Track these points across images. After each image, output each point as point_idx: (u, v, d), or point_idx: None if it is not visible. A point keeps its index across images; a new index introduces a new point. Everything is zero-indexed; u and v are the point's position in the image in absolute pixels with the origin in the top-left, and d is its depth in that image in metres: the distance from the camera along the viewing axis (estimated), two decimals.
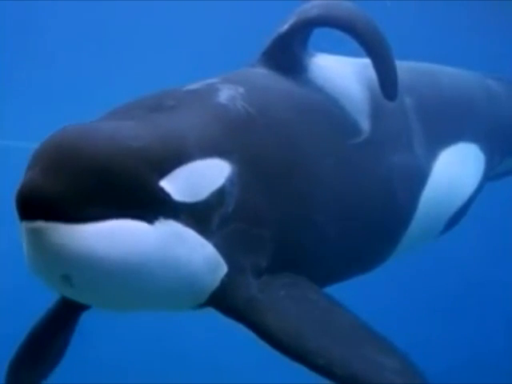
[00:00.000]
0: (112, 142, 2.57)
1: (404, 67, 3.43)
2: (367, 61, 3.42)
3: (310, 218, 3.11)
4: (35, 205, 2.44)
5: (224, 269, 2.76)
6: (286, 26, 3.31)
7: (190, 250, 2.67)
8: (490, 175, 4.32)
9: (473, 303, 8.46)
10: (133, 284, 2.61)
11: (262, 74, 3.31)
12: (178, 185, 2.63)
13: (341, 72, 3.53)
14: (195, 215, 2.67)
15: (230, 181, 2.79)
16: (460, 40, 8.62)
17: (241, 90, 3.05)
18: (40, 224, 2.45)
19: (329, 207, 3.20)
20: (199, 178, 2.71)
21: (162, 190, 2.59)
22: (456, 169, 3.93)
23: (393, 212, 3.59)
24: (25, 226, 2.48)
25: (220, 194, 2.75)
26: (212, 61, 3.30)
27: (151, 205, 2.57)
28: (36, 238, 2.48)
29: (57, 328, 3.47)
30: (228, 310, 2.80)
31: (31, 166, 2.52)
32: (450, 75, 4.18)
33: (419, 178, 3.71)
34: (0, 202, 3.45)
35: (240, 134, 2.93)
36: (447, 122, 3.90)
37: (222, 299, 2.78)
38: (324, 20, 3.30)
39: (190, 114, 2.87)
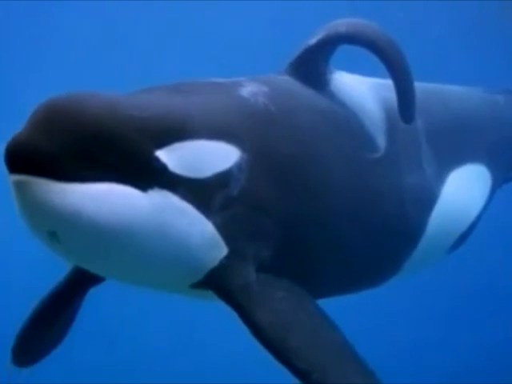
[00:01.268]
0: (109, 107, 2.60)
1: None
2: (383, 81, 3.55)
3: (318, 220, 3.15)
4: (21, 158, 2.45)
5: (224, 250, 2.80)
6: (314, 40, 3.39)
7: (186, 224, 2.70)
8: (497, 188, 4.36)
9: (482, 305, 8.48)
10: (119, 248, 2.64)
11: (287, 81, 3.39)
12: (177, 158, 2.66)
13: (359, 90, 3.61)
14: (195, 191, 2.70)
15: (238, 166, 2.83)
16: (470, 50, 8.61)
17: (264, 89, 3.13)
18: (25, 178, 2.46)
19: (338, 214, 3.24)
20: (202, 156, 2.74)
21: (157, 159, 2.62)
22: (463, 190, 3.98)
23: (402, 229, 3.62)
24: (11, 178, 2.50)
25: (225, 177, 2.79)
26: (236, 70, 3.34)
27: (144, 172, 2.60)
28: (20, 191, 2.50)
29: (64, 302, 3.52)
30: (222, 291, 2.84)
31: (26, 122, 2.53)
32: (458, 96, 4.24)
33: (429, 197, 3.76)
34: None
35: (256, 126, 2.98)
36: (455, 143, 3.96)
37: (219, 280, 2.82)
38: (352, 37, 3.37)
39: (206, 99, 2.94)
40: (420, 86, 3.52)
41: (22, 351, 3.66)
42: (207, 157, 2.76)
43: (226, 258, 2.81)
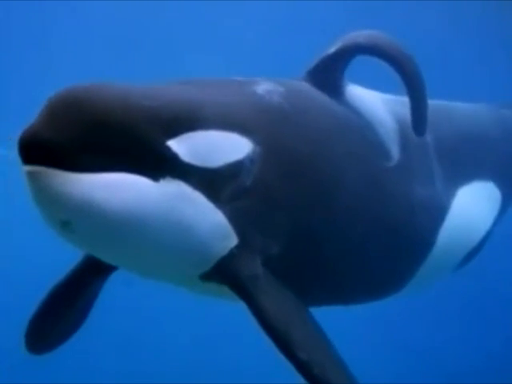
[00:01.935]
0: (120, 97, 2.65)
1: None
2: (394, 97, 3.67)
3: (327, 220, 3.20)
4: (34, 149, 2.51)
5: (234, 240, 2.87)
6: (332, 49, 3.48)
7: (198, 213, 2.75)
8: (508, 206, 4.42)
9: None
10: (131, 236, 2.69)
11: (304, 85, 3.47)
12: (188, 148, 2.71)
13: (373, 101, 3.70)
14: (206, 181, 2.75)
15: (250, 158, 2.88)
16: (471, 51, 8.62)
17: (280, 88, 3.19)
18: (38, 169, 2.52)
19: (347, 216, 3.28)
20: (214, 146, 2.79)
21: (168, 149, 2.67)
22: (472, 205, 4.05)
23: (412, 238, 3.66)
24: (25, 169, 2.55)
25: (236, 168, 2.84)
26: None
27: (156, 162, 2.64)
28: (34, 182, 2.55)
29: (76, 289, 3.54)
30: (231, 279, 2.91)
31: (39, 113, 2.58)
32: (466, 113, 4.32)
33: (438, 209, 3.82)
34: None
35: (270, 121, 3.03)
36: (464, 160, 4.03)
37: (228, 268, 2.88)
38: (369, 48, 3.46)
39: (219, 92, 2.98)
40: (429, 104, 3.61)
41: (34, 338, 3.68)
42: (219, 147, 2.81)
43: (236, 247, 2.87)
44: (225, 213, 2.82)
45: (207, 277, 2.96)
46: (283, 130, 3.07)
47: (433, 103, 3.76)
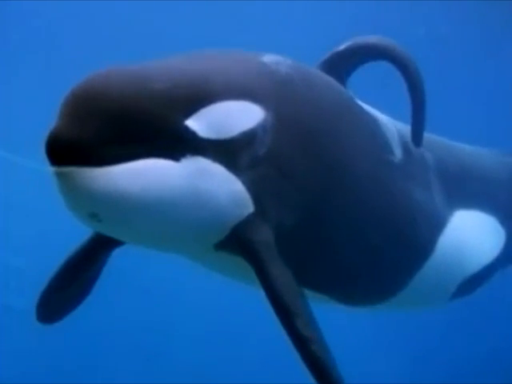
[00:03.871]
0: (134, 84, 2.68)
1: (426, 136, 3.75)
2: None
3: (335, 200, 3.24)
4: (60, 151, 2.57)
5: (250, 208, 2.92)
6: (342, 47, 3.68)
7: (218, 184, 2.81)
8: None
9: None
10: (158, 218, 2.76)
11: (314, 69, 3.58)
12: (204, 123, 2.76)
13: (373, 110, 3.79)
14: (224, 152, 2.81)
15: (263, 127, 2.92)
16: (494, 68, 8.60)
17: (289, 61, 3.23)
18: (65, 169, 2.59)
19: (354, 200, 3.35)
20: (228, 116, 2.84)
21: (186, 128, 2.72)
22: (472, 232, 4.10)
23: (410, 240, 3.72)
24: (53, 171, 2.62)
25: (250, 136, 2.89)
26: None
27: (176, 143, 2.69)
28: (62, 182, 2.62)
29: (87, 263, 3.61)
30: (245, 243, 2.95)
31: (59, 113, 2.63)
32: (468, 150, 4.44)
33: (438, 221, 3.88)
34: None
35: (279, 90, 3.06)
36: (463, 186, 4.12)
37: (243, 233, 2.93)
38: (378, 48, 3.66)
39: (228, 63, 3.04)
40: (436, 139, 3.78)
41: (45, 309, 3.75)
42: (233, 116, 2.85)
43: (252, 215, 2.92)
44: (243, 181, 2.88)
45: (221, 245, 3.02)
46: (292, 99, 3.11)
47: (438, 139, 3.98)
